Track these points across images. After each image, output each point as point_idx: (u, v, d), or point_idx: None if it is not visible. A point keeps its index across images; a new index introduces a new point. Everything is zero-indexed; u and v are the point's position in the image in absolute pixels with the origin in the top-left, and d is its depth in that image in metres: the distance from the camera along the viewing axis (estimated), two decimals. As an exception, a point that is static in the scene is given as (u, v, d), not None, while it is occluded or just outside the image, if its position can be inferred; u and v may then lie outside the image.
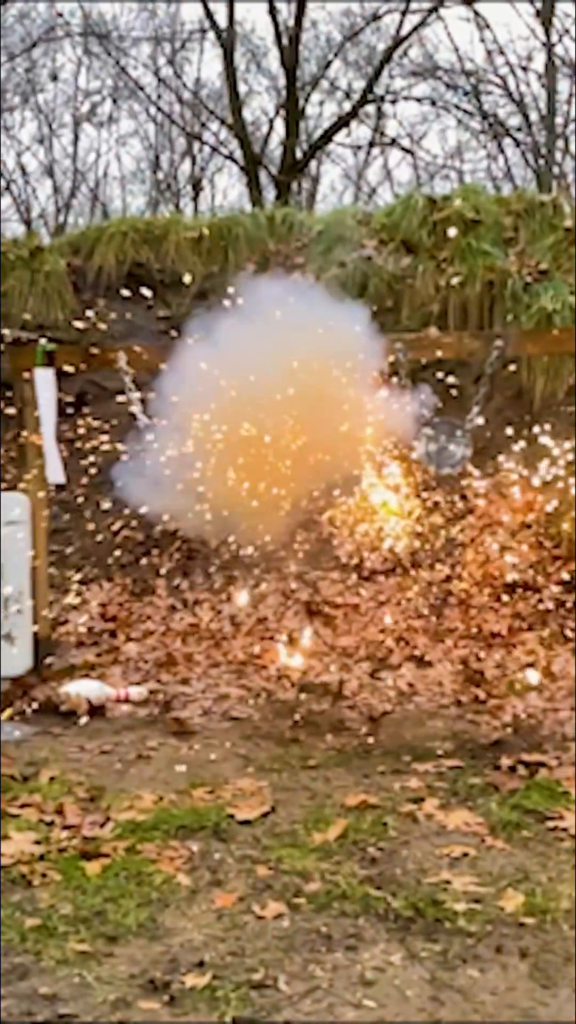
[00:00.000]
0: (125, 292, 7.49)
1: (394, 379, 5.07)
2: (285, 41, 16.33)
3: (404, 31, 16.68)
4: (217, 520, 6.54)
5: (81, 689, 5.16)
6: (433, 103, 17.85)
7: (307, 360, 4.66)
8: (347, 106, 17.62)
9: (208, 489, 4.99)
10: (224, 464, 4.90)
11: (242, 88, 17.11)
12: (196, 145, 18.96)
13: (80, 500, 6.98)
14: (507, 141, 17.52)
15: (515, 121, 17.23)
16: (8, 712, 4.95)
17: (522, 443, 7.21)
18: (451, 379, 6.79)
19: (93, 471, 6.66)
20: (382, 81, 17.34)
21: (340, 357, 4.77)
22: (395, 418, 4.97)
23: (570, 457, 6.93)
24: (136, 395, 5.17)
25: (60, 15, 17.32)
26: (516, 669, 5.49)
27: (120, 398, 5.43)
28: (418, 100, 17.97)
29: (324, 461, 5.04)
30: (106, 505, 6.47)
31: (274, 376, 4.64)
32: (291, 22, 16.20)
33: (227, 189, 24.87)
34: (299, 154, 17.13)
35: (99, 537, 7.02)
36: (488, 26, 18.69)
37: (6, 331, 6.08)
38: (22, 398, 5.56)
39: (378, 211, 8.57)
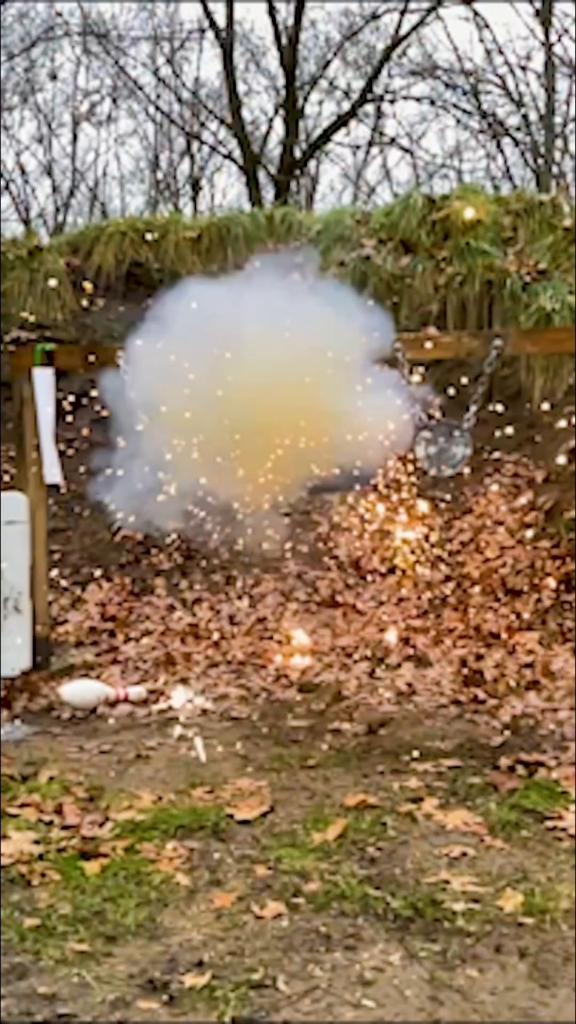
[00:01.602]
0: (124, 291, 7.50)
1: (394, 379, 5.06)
2: (284, 41, 16.34)
3: (403, 30, 16.70)
4: (215, 521, 6.55)
5: (80, 689, 5.16)
6: (432, 103, 17.86)
7: (298, 357, 4.63)
8: (346, 106, 17.63)
9: (203, 488, 4.98)
10: (217, 463, 4.89)
11: (241, 88, 17.13)
12: (195, 145, 18.96)
13: (79, 499, 6.97)
14: (506, 141, 17.54)
15: (514, 121, 17.26)
16: (7, 712, 4.95)
17: (521, 442, 7.22)
18: (451, 379, 6.80)
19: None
20: (381, 81, 17.37)
21: (335, 354, 4.74)
22: (394, 418, 4.97)
23: (569, 456, 6.94)
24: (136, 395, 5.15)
25: (59, 15, 17.33)
26: (515, 669, 5.49)
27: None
28: (417, 100, 17.98)
29: (321, 461, 5.04)
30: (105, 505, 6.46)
31: (257, 369, 4.60)
32: (290, 22, 16.22)
33: (226, 189, 24.95)
34: (298, 153, 17.14)
35: (99, 537, 7.03)
36: (487, 26, 18.76)
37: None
38: (21, 398, 5.56)
39: (377, 211, 8.59)
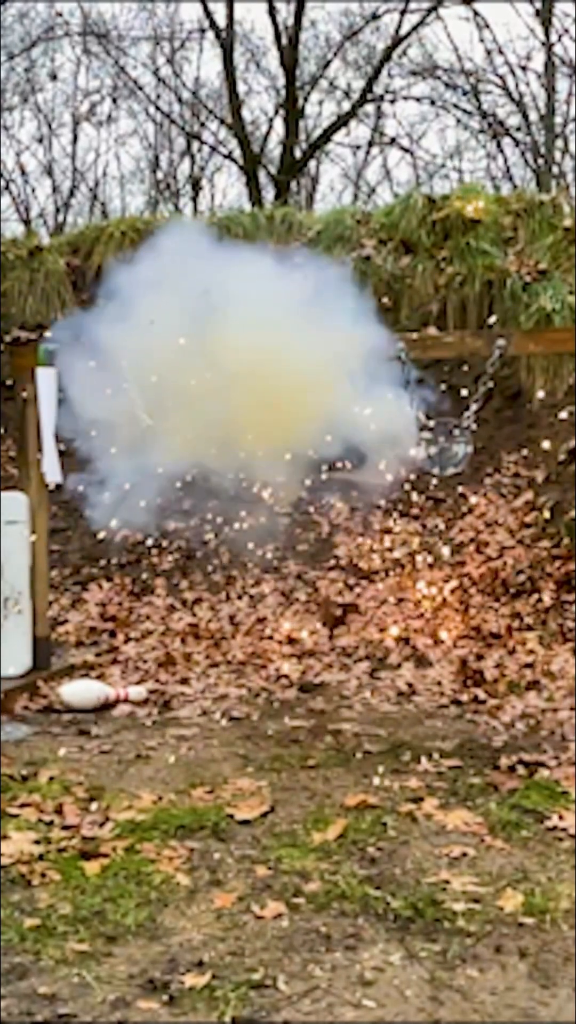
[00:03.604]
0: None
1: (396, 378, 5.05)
2: (284, 41, 16.33)
3: (403, 30, 16.69)
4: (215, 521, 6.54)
5: (80, 689, 5.16)
6: (432, 103, 17.86)
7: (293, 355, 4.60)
8: (346, 106, 17.63)
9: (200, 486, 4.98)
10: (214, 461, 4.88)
11: (241, 88, 17.12)
12: (195, 145, 18.95)
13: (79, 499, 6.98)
14: (506, 141, 17.53)
15: (514, 121, 17.26)
16: (7, 712, 4.95)
17: (521, 442, 7.22)
18: (451, 379, 6.80)
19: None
20: (381, 81, 17.36)
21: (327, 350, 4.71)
22: (396, 418, 4.96)
23: (569, 456, 6.94)
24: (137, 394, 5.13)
25: (59, 15, 17.32)
26: (515, 669, 5.49)
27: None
28: (417, 100, 17.98)
29: (318, 459, 5.03)
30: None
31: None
32: (290, 21, 16.21)
33: (226, 189, 24.94)
34: (298, 154, 17.13)
35: (99, 537, 7.02)
36: (487, 26, 18.77)
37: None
38: (23, 397, 5.56)
39: (377, 211, 8.59)
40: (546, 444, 6.85)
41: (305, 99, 17.38)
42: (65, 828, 3.46)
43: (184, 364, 4.65)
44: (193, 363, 4.63)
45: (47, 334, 5.26)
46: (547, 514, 6.73)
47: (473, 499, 6.99)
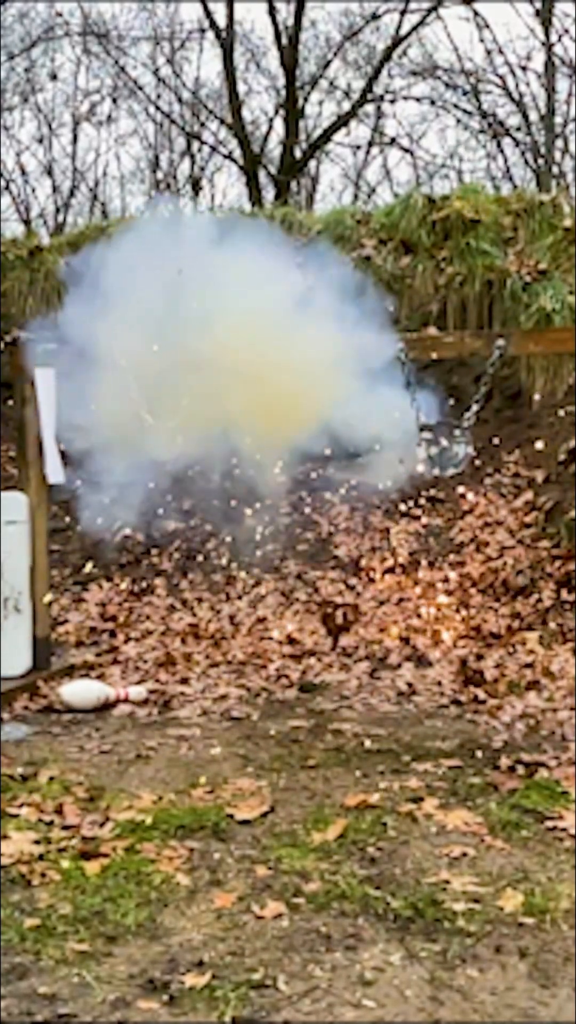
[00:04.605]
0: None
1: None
2: (284, 41, 16.34)
3: (403, 31, 16.71)
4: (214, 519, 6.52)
5: (80, 689, 5.16)
6: (432, 103, 17.87)
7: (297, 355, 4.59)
8: (346, 106, 17.64)
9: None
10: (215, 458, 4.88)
11: (241, 88, 17.13)
12: (195, 145, 18.97)
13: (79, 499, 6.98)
14: (506, 141, 17.54)
15: (514, 121, 17.26)
16: (8, 712, 4.95)
17: (521, 442, 7.22)
18: (451, 379, 6.80)
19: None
20: (381, 81, 17.38)
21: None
22: (396, 418, 4.96)
23: (569, 456, 6.94)
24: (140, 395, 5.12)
25: (59, 15, 17.33)
26: (515, 669, 5.49)
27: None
28: (417, 100, 18.00)
29: (318, 458, 5.03)
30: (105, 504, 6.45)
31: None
32: (290, 22, 16.23)
33: (226, 189, 24.96)
34: (298, 154, 17.14)
35: (99, 537, 7.02)
36: (487, 26, 18.78)
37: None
38: (22, 397, 5.56)
39: (377, 211, 8.60)
40: (540, 444, 6.85)
41: (305, 99, 17.40)
42: (65, 828, 3.46)
43: (181, 363, 4.64)
44: (190, 362, 4.63)
45: (22, 333, 5.23)
46: (546, 514, 6.73)
47: (473, 499, 6.99)
